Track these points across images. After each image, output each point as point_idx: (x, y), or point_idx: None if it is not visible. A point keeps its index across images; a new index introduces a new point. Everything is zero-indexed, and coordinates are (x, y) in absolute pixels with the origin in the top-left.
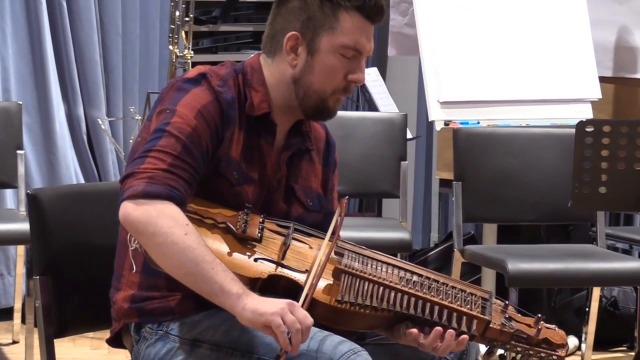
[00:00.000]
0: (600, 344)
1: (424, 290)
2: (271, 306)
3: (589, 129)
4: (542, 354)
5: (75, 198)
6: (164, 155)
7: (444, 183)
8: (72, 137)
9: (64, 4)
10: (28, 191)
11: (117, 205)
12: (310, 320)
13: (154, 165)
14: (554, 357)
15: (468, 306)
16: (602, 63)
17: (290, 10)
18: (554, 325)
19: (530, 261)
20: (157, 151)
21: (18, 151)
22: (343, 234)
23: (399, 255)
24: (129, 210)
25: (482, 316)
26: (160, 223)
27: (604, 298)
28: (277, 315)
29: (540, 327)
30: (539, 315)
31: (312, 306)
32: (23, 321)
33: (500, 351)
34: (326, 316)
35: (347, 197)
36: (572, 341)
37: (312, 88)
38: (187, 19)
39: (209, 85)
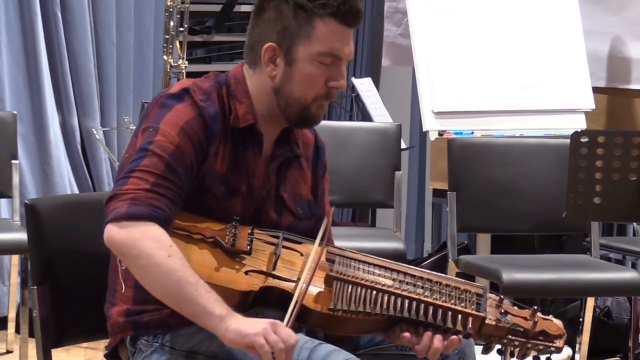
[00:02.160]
0: (594, 354)
1: (417, 291)
2: (254, 327)
3: (584, 140)
4: (540, 346)
5: (73, 208)
6: (146, 175)
7: (437, 193)
8: (67, 146)
9: (59, 14)
10: (26, 201)
11: (102, 228)
12: (294, 338)
13: (137, 185)
14: (552, 348)
15: (462, 304)
16: (596, 74)
17: (266, 21)
18: (550, 316)
19: (525, 271)
20: (140, 171)
21: (13, 161)
22: (337, 243)
23: None
24: (113, 233)
25: (476, 313)
26: (143, 245)
27: (598, 308)
28: (260, 335)
29: (536, 320)
30: (535, 307)
31: (305, 314)
32: (17, 331)
33: (497, 346)
34: (320, 323)
35: (333, 207)
36: (566, 351)
37: (292, 97)
38: (181, 29)
39: (192, 100)
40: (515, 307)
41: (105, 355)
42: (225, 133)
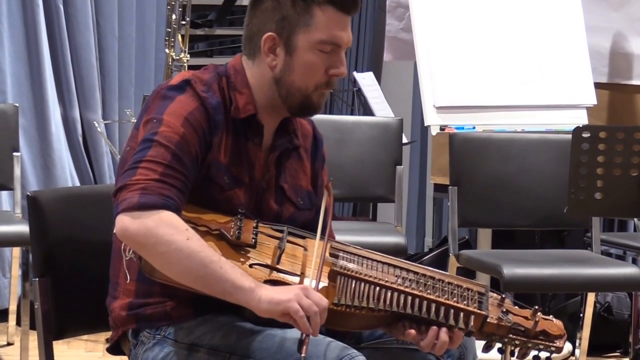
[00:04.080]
0: (594, 350)
1: (420, 288)
2: (286, 293)
3: (586, 135)
4: (541, 346)
5: (75, 200)
6: (154, 165)
7: (438, 188)
8: (68, 139)
9: (61, 6)
10: (28, 193)
11: (112, 219)
12: (325, 301)
13: (146, 176)
14: (552, 348)
15: (465, 302)
16: (597, 69)
17: (264, 11)
18: (550, 316)
19: (526, 266)
20: (148, 161)
21: (14, 153)
22: (338, 237)
23: None
24: (127, 223)
25: (479, 311)
26: (161, 232)
27: (598, 304)
28: (294, 301)
29: (537, 319)
30: (536, 307)
31: None
32: (18, 323)
33: (498, 344)
34: None
35: (331, 179)
36: (567, 346)
37: (294, 86)
38: (183, 22)
39: (194, 91)
40: (516, 307)
41: (107, 350)
42: (227, 123)
